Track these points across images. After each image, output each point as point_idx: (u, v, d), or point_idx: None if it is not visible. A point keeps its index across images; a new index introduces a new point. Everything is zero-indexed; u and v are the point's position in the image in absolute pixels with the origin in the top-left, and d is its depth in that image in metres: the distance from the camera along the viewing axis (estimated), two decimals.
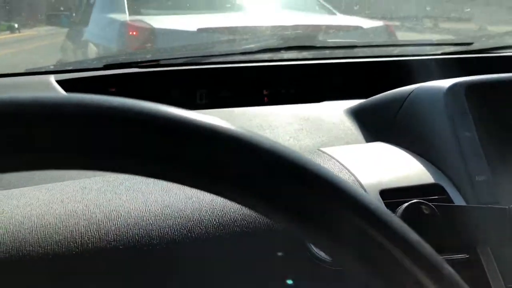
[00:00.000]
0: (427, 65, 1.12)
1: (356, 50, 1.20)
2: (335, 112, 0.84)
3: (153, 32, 2.57)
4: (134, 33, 2.69)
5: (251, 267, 0.51)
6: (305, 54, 1.19)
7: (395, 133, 0.68)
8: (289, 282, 0.50)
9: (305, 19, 2.69)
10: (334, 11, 3.01)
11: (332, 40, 1.32)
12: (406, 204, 0.49)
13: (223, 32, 2.50)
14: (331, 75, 1.09)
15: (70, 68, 1.07)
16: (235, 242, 0.50)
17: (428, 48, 1.24)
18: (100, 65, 1.07)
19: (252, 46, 1.15)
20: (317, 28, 2.44)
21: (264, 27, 1.68)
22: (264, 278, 0.50)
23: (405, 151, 0.63)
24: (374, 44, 1.20)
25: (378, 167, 0.59)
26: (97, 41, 3.06)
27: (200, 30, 2.48)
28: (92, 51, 3.06)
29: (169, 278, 0.49)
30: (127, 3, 2.82)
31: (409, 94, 0.68)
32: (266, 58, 1.16)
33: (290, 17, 2.72)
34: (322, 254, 0.51)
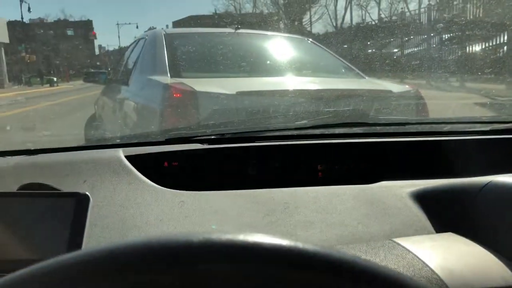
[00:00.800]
0: (480, 144, 1.13)
1: (407, 126, 1.22)
2: (398, 196, 0.85)
3: (194, 94, 2.63)
4: (177, 95, 2.76)
5: None
6: (356, 129, 1.22)
7: (466, 225, 0.69)
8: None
9: (338, 84, 2.76)
10: (363, 75, 3.09)
11: (384, 117, 1.35)
12: None
13: (261, 95, 2.54)
14: (385, 154, 1.11)
15: (135, 141, 1.13)
16: None
17: (478, 125, 1.25)
18: (162, 139, 1.13)
19: (305, 121, 1.19)
20: (351, 92, 2.49)
21: (318, 102, 1.72)
22: None
23: (483, 247, 0.63)
24: (425, 121, 1.23)
25: (459, 264, 0.59)
26: (137, 100, 3.16)
27: (240, 94, 2.53)
28: (131, 110, 3.14)
29: None
30: (169, 67, 2.92)
31: (483, 187, 0.69)
32: (318, 133, 1.19)
33: (325, 82, 2.78)
34: None
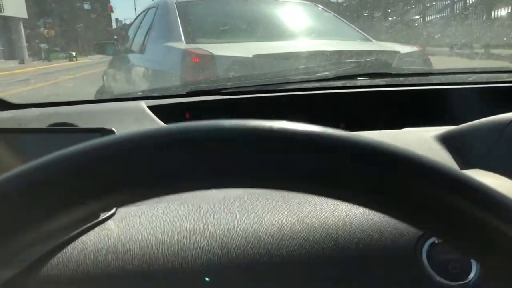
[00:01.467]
0: (505, 93, 1.10)
1: (430, 77, 1.20)
2: (422, 139, 0.84)
3: (213, 59, 2.68)
4: (196, 59, 2.80)
5: None
6: (378, 81, 1.20)
7: (495, 161, 0.68)
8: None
9: (347, 46, 2.79)
10: (369, 37, 3.15)
11: (407, 67, 1.32)
12: None
13: (277, 58, 2.60)
14: (409, 102, 1.09)
15: (156, 94, 1.13)
16: (354, 265, 0.51)
17: (505, 75, 1.22)
18: (183, 92, 1.13)
19: (327, 73, 1.18)
20: (358, 53, 2.56)
21: (332, 53, 1.73)
22: None
23: (509, 179, 0.62)
24: (448, 71, 1.20)
25: None
26: (156, 67, 3.21)
27: (256, 57, 2.58)
28: (150, 77, 3.20)
29: None
30: (183, 34, 2.96)
31: (510, 122, 0.67)
32: (340, 85, 1.18)
33: (335, 44, 2.82)
34: (438, 277, 0.51)
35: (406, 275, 0.51)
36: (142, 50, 3.50)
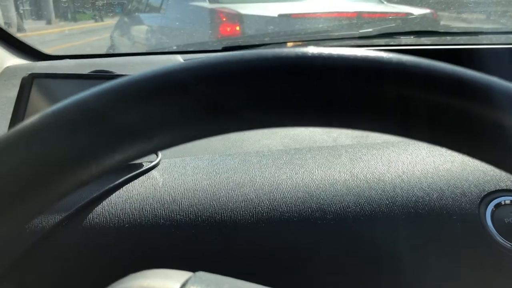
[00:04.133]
0: None
1: (480, 37, 1.13)
2: None
3: (241, 18, 2.68)
4: (224, 19, 2.80)
5: (416, 253, 0.49)
6: (424, 39, 1.14)
7: None
8: None
9: (363, 7, 2.79)
10: (383, 0, 3.15)
11: (455, 25, 1.25)
12: None
13: (303, 19, 2.61)
14: (457, 61, 1.03)
15: (192, 49, 1.10)
16: (412, 225, 0.48)
17: None
18: (219, 47, 1.09)
19: (370, 30, 1.12)
20: (374, 15, 2.56)
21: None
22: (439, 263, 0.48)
23: None
24: (500, 30, 1.12)
25: None
26: (180, 26, 3.21)
27: (281, 16, 2.57)
28: (172, 38, 3.20)
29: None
30: None
31: None
32: (383, 43, 1.12)
33: (353, 6, 2.84)
34: (502, 238, 0.48)
35: (468, 236, 0.48)
36: (159, 10, 3.51)
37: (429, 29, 1.09)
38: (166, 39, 3.03)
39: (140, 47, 3.67)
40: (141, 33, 3.97)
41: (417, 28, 1.12)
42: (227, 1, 3.00)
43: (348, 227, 0.48)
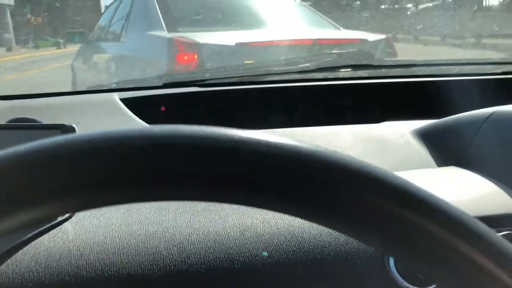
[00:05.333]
0: (489, 86, 1.08)
1: (413, 68, 1.18)
2: (400, 133, 0.82)
3: (198, 46, 2.73)
4: (181, 48, 2.84)
5: None
6: (360, 72, 1.18)
7: (471, 158, 0.66)
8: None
9: (319, 34, 2.91)
10: (338, 26, 3.28)
11: (389, 59, 1.30)
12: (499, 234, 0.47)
13: (260, 47, 2.68)
14: (389, 95, 1.07)
15: (132, 86, 1.10)
16: (318, 269, 0.49)
17: (488, 67, 1.20)
18: (160, 83, 1.09)
19: (308, 64, 1.15)
20: (327, 41, 2.66)
21: (324, 45, 1.75)
22: None
23: (485, 177, 0.61)
24: (432, 62, 1.18)
25: (459, 193, 0.57)
26: (135, 57, 3.24)
27: (239, 45, 2.64)
28: (128, 67, 3.23)
29: None
30: (164, 22, 3.02)
31: (487, 117, 0.65)
32: (322, 77, 1.15)
33: (310, 33, 2.93)
34: (404, 283, 0.49)
35: (372, 280, 0.49)
36: (119, 39, 3.53)
37: (365, 62, 1.13)
38: (120, 70, 3.03)
39: (91, 77, 3.66)
40: (100, 61, 3.96)
41: (353, 62, 1.16)
42: (185, 30, 3.04)
43: (256, 276, 0.48)
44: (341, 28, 3.38)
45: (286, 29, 3.20)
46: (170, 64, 2.82)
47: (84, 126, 0.87)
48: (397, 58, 1.40)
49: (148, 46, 3.10)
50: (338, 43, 2.86)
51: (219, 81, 1.08)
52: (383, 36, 3.03)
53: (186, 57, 2.83)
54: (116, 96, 0.97)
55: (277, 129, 0.87)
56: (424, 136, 0.78)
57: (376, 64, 1.14)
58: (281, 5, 3.64)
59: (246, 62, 1.97)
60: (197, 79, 1.09)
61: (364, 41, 2.87)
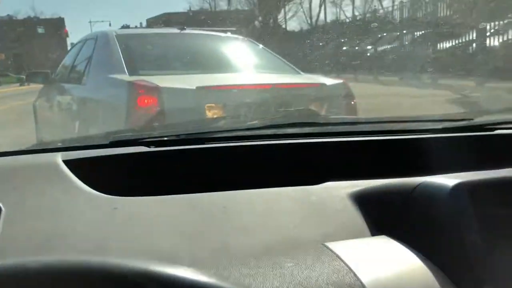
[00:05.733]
0: (429, 143, 1.13)
1: (358, 125, 1.22)
2: (339, 197, 0.83)
3: (158, 90, 2.73)
4: (142, 91, 2.84)
5: None
6: (307, 129, 1.21)
7: (400, 228, 0.68)
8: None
9: (278, 79, 3.02)
10: (298, 70, 3.40)
11: (334, 117, 1.34)
12: None
13: (224, 91, 2.73)
14: (334, 153, 1.10)
15: (77, 145, 1.09)
16: None
17: (429, 123, 1.25)
18: (106, 142, 1.09)
19: (256, 122, 1.17)
20: (286, 86, 2.78)
21: (267, 101, 1.81)
22: None
23: (411, 250, 0.62)
24: (375, 120, 1.22)
25: (383, 268, 0.58)
26: (97, 98, 3.22)
27: (199, 89, 2.67)
28: (89, 109, 3.20)
29: None
30: (126, 66, 3.03)
31: (414, 188, 0.68)
32: (270, 133, 1.18)
33: (267, 77, 3.05)
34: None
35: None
36: (80, 81, 3.52)
37: (310, 120, 1.17)
38: (79, 115, 2.99)
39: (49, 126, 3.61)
40: (60, 103, 3.90)
41: (300, 120, 1.19)
42: (147, 73, 3.04)
43: None
44: (301, 72, 3.48)
45: (248, 73, 3.26)
46: (131, 108, 2.80)
47: (22, 190, 0.85)
48: (342, 116, 1.45)
49: (109, 89, 3.08)
50: (298, 87, 2.94)
51: (166, 139, 1.08)
52: (340, 81, 3.14)
53: (146, 101, 2.82)
54: (59, 157, 0.96)
55: (220, 192, 0.87)
56: (361, 201, 0.80)
57: (321, 121, 1.18)
58: (244, 49, 3.71)
59: (193, 120, 2.00)
60: (145, 137, 1.09)
61: (322, 85, 2.96)
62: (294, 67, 3.48)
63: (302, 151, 1.08)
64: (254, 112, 1.98)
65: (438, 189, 0.64)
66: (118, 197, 0.83)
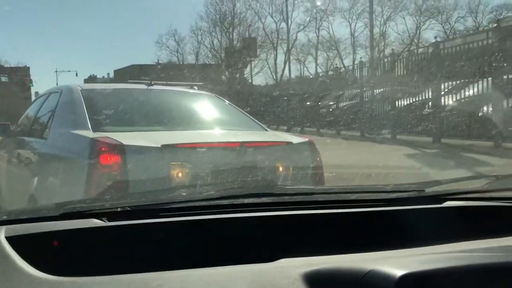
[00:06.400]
0: (384, 216, 1.15)
1: (314, 196, 1.23)
2: (291, 278, 0.82)
3: (122, 148, 2.65)
4: (104, 149, 2.75)
5: None
6: (264, 199, 1.21)
7: None
8: None
9: (245, 136, 2.99)
10: (266, 127, 3.45)
11: (290, 187, 1.35)
12: None
13: (190, 149, 2.68)
14: (290, 227, 1.10)
15: (24, 217, 1.05)
16: None
17: (383, 194, 1.28)
18: (56, 214, 1.05)
19: (213, 192, 1.17)
20: (256, 143, 2.79)
21: (224, 170, 1.81)
22: None
23: None
24: (331, 191, 1.24)
25: None
26: (59, 155, 3.10)
27: (165, 146, 2.61)
28: (50, 164, 3.08)
29: None
30: (90, 121, 2.95)
31: (363, 275, 0.68)
32: (227, 203, 1.17)
33: (233, 135, 3.04)
34: None
35: None
36: (42, 135, 3.40)
37: (267, 191, 1.17)
38: (38, 172, 2.90)
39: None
40: (19, 158, 3.76)
41: (257, 191, 1.19)
42: (111, 129, 2.95)
43: None
44: (268, 129, 3.50)
45: (214, 130, 3.24)
46: (93, 166, 2.70)
47: None
48: (299, 186, 1.47)
49: (71, 145, 2.99)
50: (264, 145, 2.93)
51: (118, 211, 1.05)
52: (306, 139, 3.16)
53: (109, 158, 2.73)
54: (2, 233, 0.92)
55: (170, 272, 0.84)
56: (313, 283, 0.79)
57: (278, 192, 1.18)
58: (210, 105, 3.70)
59: (148, 190, 1.96)
60: (96, 208, 1.07)
61: (289, 143, 2.97)
62: (260, 123, 3.51)
63: (258, 225, 1.08)
64: (219, 174, 1.97)
65: (385, 279, 0.64)
66: (61, 278, 0.80)
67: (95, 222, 1.01)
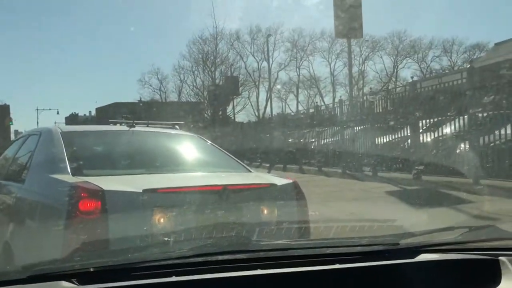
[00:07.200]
0: (358, 272, 1.15)
1: (290, 251, 1.22)
2: None
3: (102, 193, 2.56)
4: (84, 194, 2.66)
5: None
6: (239, 256, 1.19)
7: None
8: None
9: (228, 178, 2.96)
10: (249, 169, 3.38)
11: (266, 242, 1.34)
12: None
13: (172, 193, 2.61)
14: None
15: None
16: None
17: (359, 247, 1.28)
18: (24, 277, 1.02)
19: (185, 250, 1.15)
20: (239, 186, 2.77)
21: (198, 228, 1.77)
22: None
23: None
24: (307, 246, 1.24)
25: None
26: (37, 200, 2.99)
27: (146, 191, 2.55)
28: (28, 210, 2.97)
29: None
30: (69, 165, 2.86)
31: None
32: (201, 261, 1.15)
33: (216, 177, 3.00)
34: None
35: None
36: (19, 179, 3.29)
37: (242, 248, 1.16)
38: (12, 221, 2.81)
39: None
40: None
41: (231, 248, 1.18)
42: (92, 173, 2.87)
43: None
44: (251, 170, 3.43)
45: (197, 173, 3.17)
46: (72, 212, 2.61)
47: None
48: (275, 242, 1.45)
49: (49, 189, 2.89)
50: (248, 188, 2.87)
51: (89, 272, 1.03)
52: (290, 181, 3.11)
53: (89, 205, 2.64)
54: None
55: None
56: None
57: (253, 249, 1.17)
58: (193, 147, 3.62)
59: (121, 248, 1.91)
60: (67, 270, 1.04)
61: (273, 185, 2.92)
62: (243, 163, 3.45)
63: (233, 286, 1.06)
64: (200, 221, 1.91)
65: None
66: None
67: (65, 285, 0.98)
